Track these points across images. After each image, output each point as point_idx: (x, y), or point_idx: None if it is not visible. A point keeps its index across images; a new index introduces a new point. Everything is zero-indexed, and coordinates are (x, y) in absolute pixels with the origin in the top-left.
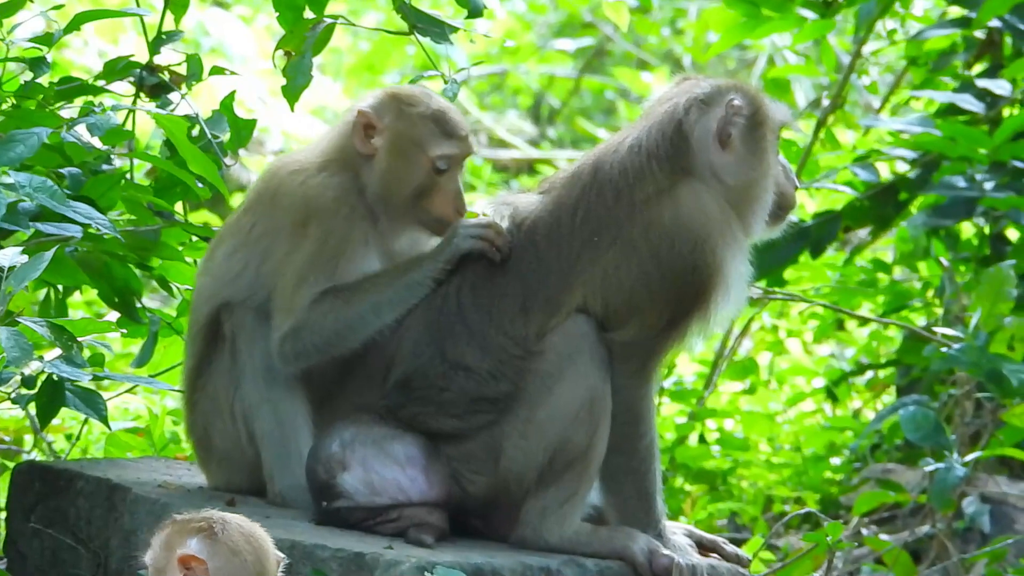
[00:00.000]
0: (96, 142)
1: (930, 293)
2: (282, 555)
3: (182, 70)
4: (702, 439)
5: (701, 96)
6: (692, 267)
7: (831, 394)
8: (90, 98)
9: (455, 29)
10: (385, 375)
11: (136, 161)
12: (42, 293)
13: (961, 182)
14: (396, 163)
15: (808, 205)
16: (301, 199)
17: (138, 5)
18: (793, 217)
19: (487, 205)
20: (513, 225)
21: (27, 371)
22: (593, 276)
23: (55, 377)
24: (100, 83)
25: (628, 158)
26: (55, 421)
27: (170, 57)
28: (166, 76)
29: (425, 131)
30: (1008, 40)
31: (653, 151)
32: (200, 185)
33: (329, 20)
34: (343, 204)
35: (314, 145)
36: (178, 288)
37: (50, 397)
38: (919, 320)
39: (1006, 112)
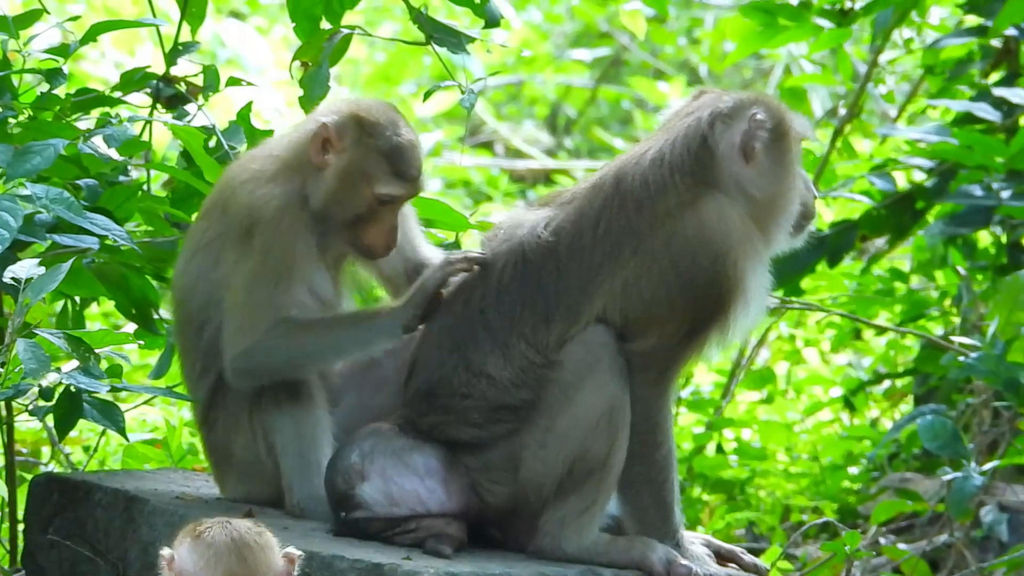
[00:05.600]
0: (113, 153)
1: (947, 302)
2: (299, 552)
3: (199, 81)
4: (720, 449)
5: (725, 110)
6: (712, 279)
7: (848, 403)
8: (107, 109)
9: (471, 39)
10: (405, 384)
11: (153, 172)
12: (59, 305)
13: (978, 191)
14: (342, 187)
15: (825, 214)
16: (247, 207)
17: (154, 16)
18: (811, 227)
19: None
20: (510, 239)
21: (45, 383)
22: (613, 286)
23: (73, 389)
24: (117, 94)
25: (650, 171)
26: (73, 433)
27: (187, 68)
28: (183, 87)
29: (377, 166)
30: None
31: (677, 164)
32: None
33: (346, 31)
34: (285, 215)
35: (273, 145)
36: None
37: (68, 409)
38: (936, 329)
39: (1023, 121)
